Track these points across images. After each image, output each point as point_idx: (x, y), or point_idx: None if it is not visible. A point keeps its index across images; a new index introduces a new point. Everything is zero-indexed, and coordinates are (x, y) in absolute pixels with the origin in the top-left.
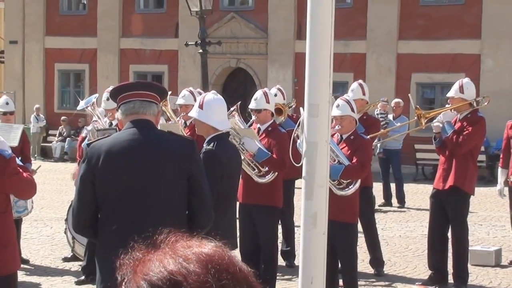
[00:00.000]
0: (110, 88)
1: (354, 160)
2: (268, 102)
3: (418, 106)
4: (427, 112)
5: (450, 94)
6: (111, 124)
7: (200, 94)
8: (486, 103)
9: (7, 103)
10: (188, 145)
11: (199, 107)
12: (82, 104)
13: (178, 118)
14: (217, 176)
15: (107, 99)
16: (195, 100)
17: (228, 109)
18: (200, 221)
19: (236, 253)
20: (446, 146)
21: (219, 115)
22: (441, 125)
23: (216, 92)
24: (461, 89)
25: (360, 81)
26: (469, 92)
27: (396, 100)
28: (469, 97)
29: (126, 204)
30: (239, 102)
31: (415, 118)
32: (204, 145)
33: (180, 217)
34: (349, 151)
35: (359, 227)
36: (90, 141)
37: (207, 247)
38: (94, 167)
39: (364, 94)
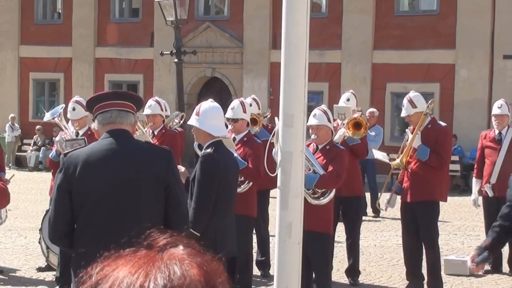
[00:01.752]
0: (76, 98)
1: (329, 170)
2: (245, 111)
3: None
4: (403, 156)
5: (405, 113)
6: (77, 134)
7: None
8: (432, 106)
9: None
10: (165, 155)
11: (196, 115)
12: (48, 115)
13: (146, 129)
14: (215, 180)
15: (73, 109)
16: (161, 109)
17: None
18: (176, 230)
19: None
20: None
21: (215, 122)
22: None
23: (213, 100)
24: (412, 104)
25: (351, 90)
26: (420, 103)
27: (371, 110)
28: (423, 108)
29: (103, 213)
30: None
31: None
32: (202, 151)
33: (157, 226)
34: (325, 161)
35: (339, 236)
36: (67, 151)
37: (196, 269)
38: (71, 176)
39: (357, 105)
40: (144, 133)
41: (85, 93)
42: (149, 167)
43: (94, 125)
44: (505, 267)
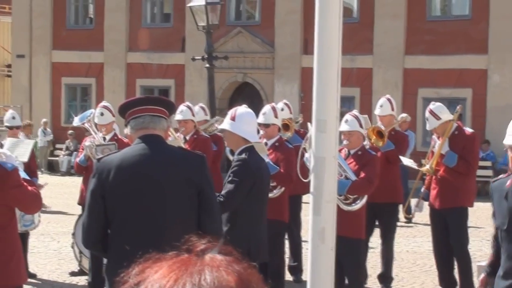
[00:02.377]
0: (103, 103)
1: (362, 176)
2: (276, 116)
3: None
4: (433, 162)
5: (430, 126)
6: (104, 139)
7: (204, 109)
8: (459, 111)
9: (13, 118)
10: (198, 160)
11: (231, 119)
12: (77, 120)
13: (178, 134)
14: (247, 185)
15: (101, 114)
16: (193, 115)
17: None
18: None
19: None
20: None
21: (250, 127)
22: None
23: (246, 106)
24: (436, 117)
25: (388, 96)
26: (443, 114)
27: (403, 115)
28: (447, 118)
29: (136, 219)
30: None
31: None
32: (235, 156)
33: (191, 231)
34: (357, 167)
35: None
36: (100, 156)
37: (232, 276)
38: (104, 181)
39: (393, 109)
40: (176, 138)
41: (117, 98)
42: (181, 172)
43: (127, 131)
44: None
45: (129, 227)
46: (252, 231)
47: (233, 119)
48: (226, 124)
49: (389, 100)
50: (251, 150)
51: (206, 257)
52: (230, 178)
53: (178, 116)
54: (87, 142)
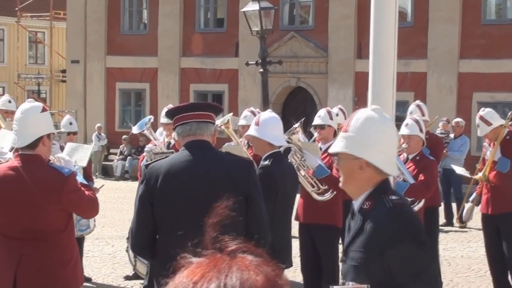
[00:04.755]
0: (170, 105)
1: (420, 179)
2: (331, 119)
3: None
4: (486, 169)
5: (481, 133)
6: (169, 144)
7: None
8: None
9: (70, 123)
10: (246, 166)
11: (255, 125)
12: (136, 128)
13: (241, 139)
14: (272, 193)
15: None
16: None
17: (290, 126)
18: (258, 242)
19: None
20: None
21: (275, 131)
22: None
23: (272, 110)
24: (487, 123)
25: (418, 101)
26: (494, 119)
27: (457, 119)
28: (498, 123)
29: (184, 225)
30: (303, 119)
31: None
32: (261, 163)
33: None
34: (415, 171)
35: None
36: (148, 162)
37: (260, 276)
38: (152, 188)
39: (423, 114)
40: (238, 144)
41: (170, 103)
42: (228, 178)
43: (174, 136)
44: None
45: (176, 234)
46: (277, 238)
47: (257, 124)
48: (251, 130)
49: (418, 106)
50: (277, 156)
51: (237, 257)
52: None
53: (242, 121)
54: (147, 147)
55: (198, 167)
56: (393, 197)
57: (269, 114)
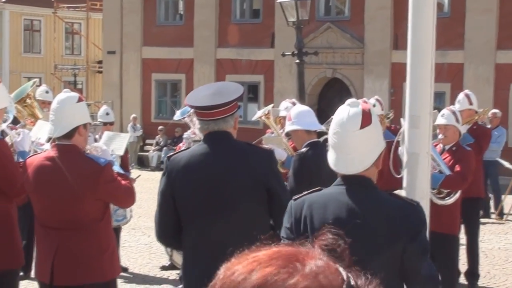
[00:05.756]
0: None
1: (456, 170)
2: (457, 121)
3: None
4: None
5: None
6: None
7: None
8: None
9: (107, 114)
10: (266, 156)
11: (288, 120)
12: (178, 114)
13: (281, 130)
14: (304, 178)
15: None
16: None
17: (327, 117)
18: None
19: None
20: None
21: (308, 119)
22: None
23: (295, 101)
24: None
25: (467, 91)
26: None
27: (494, 110)
28: None
29: (205, 217)
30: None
31: None
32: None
33: (262, 228)
34: (451, 162)
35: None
36: (170, 154)
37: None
38: (174, 180)
39: (471, 103)
40: (278, 135)
41: None
42: (248, 169)
43: (198, 125)
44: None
45: (199, 224)
46: None
47: (290, 119)
48: (287, 127)
49: (467, 95)
50: (315, 144)
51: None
52: (290, 176)
53: (282, 112)
54: (186, 134)
55: (217, 158)
56: None
57: (298, 107)
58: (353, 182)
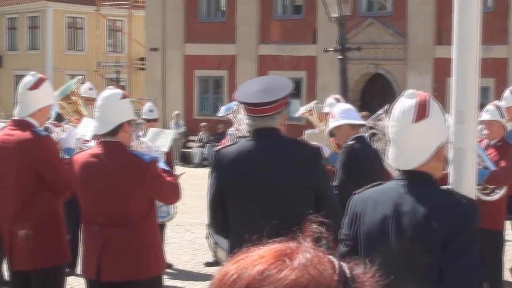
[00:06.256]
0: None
1: (501, 165)
2: (502, 116)
3: None
4: None
5: None
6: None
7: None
8: None
9: (151, 111)
10: (313, 154)
11: (331, 118)
12: (222, 110)
13: (325, 127)
14: (354, 171)
15: None
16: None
17: (370, 113)
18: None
19: None
20: None
21: (351, 114)
22: None
23: (339, 98)
24: None
25: None
26: None
27: None
28: None
29: (250, 213)
30: (387, 105)
31: None
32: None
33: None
34: (496, 158)
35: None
36: (218, 148)
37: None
38: (221, 174)
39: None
40: (321, 131)
41: None
42: (294, 165)
43: (246, 121)
44: None
45: (244, 221)
46: None
47: (333, 116)
48: (331, 124)
49: None
50: (360, 138)
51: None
52: (338, 169)
53: (326, 108)
54: (230, 129)
55: (263, 155)
56: None
57: (341, 104)
58: (411, 177)
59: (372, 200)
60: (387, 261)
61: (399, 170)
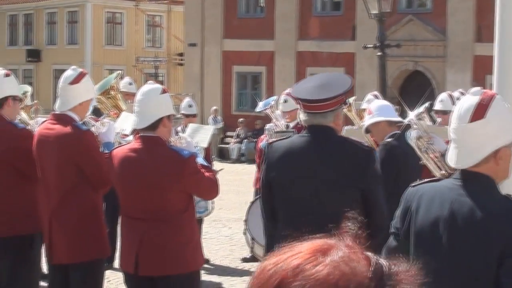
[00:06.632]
0: (287, 90)
1: None
2: (453, 104)
3: None
4: None
5: None
6: (287, 126)
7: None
8: None
9: (190, 106)
10: (365, 156)
11: (368, 114)
12: (261, 106)
13: (363, 123)
14: (392, 168)
15: (285, 101)
16: None
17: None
18: (375, 232)
19: None
20: None
21: (389, 111)
22: None
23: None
24: None
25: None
26: None
27: None
28: None
29: (297, 209)
30: (427, 103)
31: None
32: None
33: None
34: None
35: None
36: (271, 141)
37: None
38: (271, 168)
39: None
40: (360, 127)
41: (287, 86)
42: (344, 167)
43: (301, 116)
44: None
45: (287, 214)
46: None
47: (370, 113)
48: (367, 120)
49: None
50: (399, 136)
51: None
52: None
53: (364, 104)
54: (268, 125)
55: (312, 152)
56: None
57: (378, 101)
58: (469, 178)
59: (427, 197)
60: (436, 265)
61: (456, 170)
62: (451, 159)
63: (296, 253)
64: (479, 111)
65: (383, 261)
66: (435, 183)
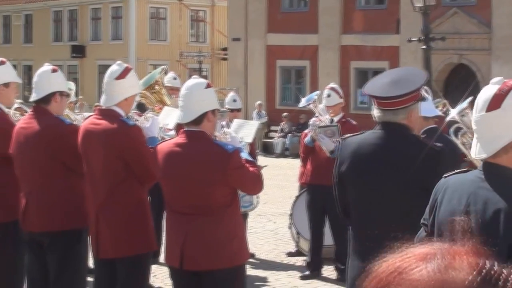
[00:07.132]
0: (331, 85)
1: None
2: None
3: None
4: None
5: None
6: (332, 121)
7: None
8: None
9: (234, 100)
10: (435, 156)
11: None
12: (303, 101)
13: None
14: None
15: (328, 96)
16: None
17: (454, 104)
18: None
19: None
20: None
21: (425, 105)
22: None
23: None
24: None
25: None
26: None
27: None
28: None
29: (362, 209)
30: (471, 98)
31: None
32: None
33: (414, 227)
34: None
35: None
36: (345, 136)
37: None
38: (342, 162)
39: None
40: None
41: (331, 80)
42: (409, 165)
43: (374, 112)
44: None
45: (358, 209)
46: None
47: None
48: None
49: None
50: (432, 130)
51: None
52: None
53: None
54: (312, 120)
55: (380, 149)
56: None
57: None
58: (488, 170)
59: (450, 190)
60: None
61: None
62: (473, 150)
63: (406, 256)
64: (495, 101)
65: (495, 268)
66: (462, 175)
